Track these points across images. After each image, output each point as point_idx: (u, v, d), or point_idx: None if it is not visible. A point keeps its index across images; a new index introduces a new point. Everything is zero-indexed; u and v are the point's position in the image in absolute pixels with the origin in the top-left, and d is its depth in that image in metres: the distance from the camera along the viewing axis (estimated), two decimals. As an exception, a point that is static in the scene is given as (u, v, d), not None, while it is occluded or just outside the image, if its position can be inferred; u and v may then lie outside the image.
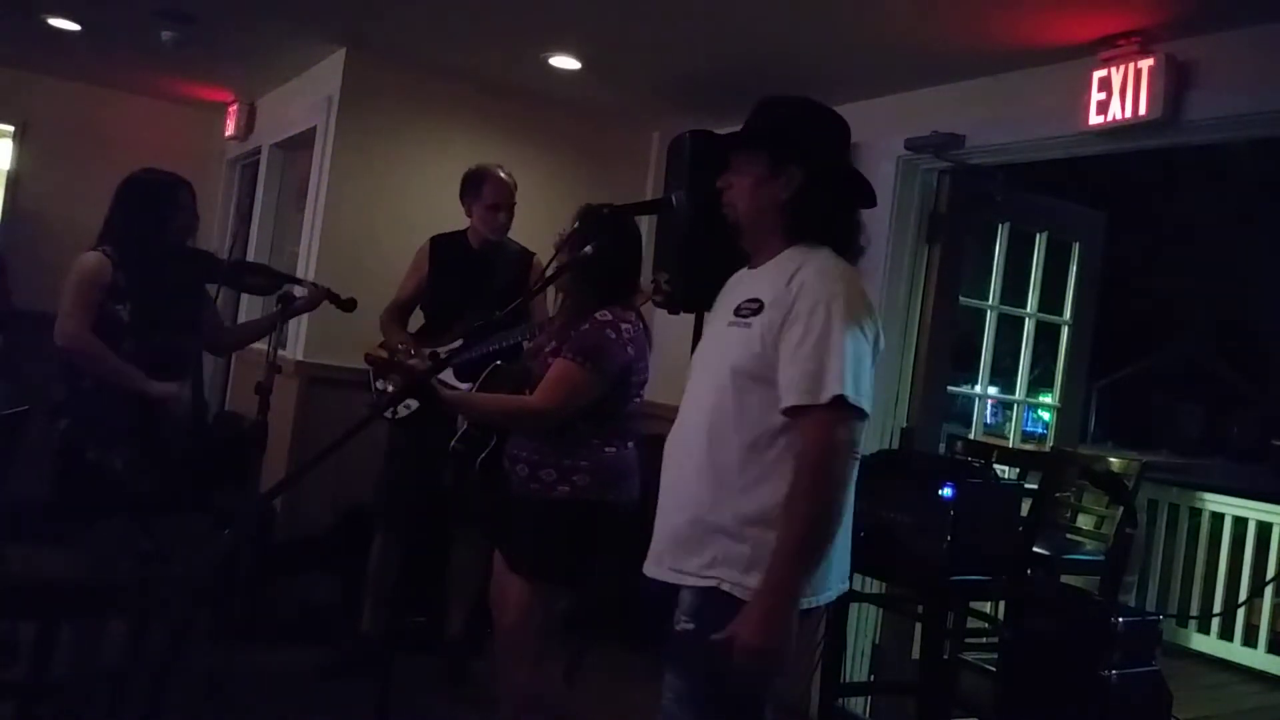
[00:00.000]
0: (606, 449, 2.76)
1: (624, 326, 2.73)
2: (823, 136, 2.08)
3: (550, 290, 3.17)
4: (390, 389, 3.59)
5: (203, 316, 3.40)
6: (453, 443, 3.40)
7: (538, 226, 3.81)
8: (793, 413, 1.88)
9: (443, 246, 3.92)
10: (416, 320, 4.00)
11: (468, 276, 3.73)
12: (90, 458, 3.05)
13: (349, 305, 3.55)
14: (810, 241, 2.01)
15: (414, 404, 3.54)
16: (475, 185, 3.79)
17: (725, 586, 1.89)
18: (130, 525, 3.06)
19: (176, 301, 3.22)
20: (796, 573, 1.83)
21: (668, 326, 4.67)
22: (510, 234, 3.90)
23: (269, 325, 3.47)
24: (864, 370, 1.89)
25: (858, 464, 1.91)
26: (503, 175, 3.79)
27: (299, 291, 3.54)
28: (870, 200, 2.12)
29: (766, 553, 1.85)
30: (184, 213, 3.28)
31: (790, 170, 2.00)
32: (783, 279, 1.96)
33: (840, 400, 1.84)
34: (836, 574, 1.99)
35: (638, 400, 2.84)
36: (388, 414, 3.57)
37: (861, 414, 1.88)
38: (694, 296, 3.39)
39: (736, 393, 1.94)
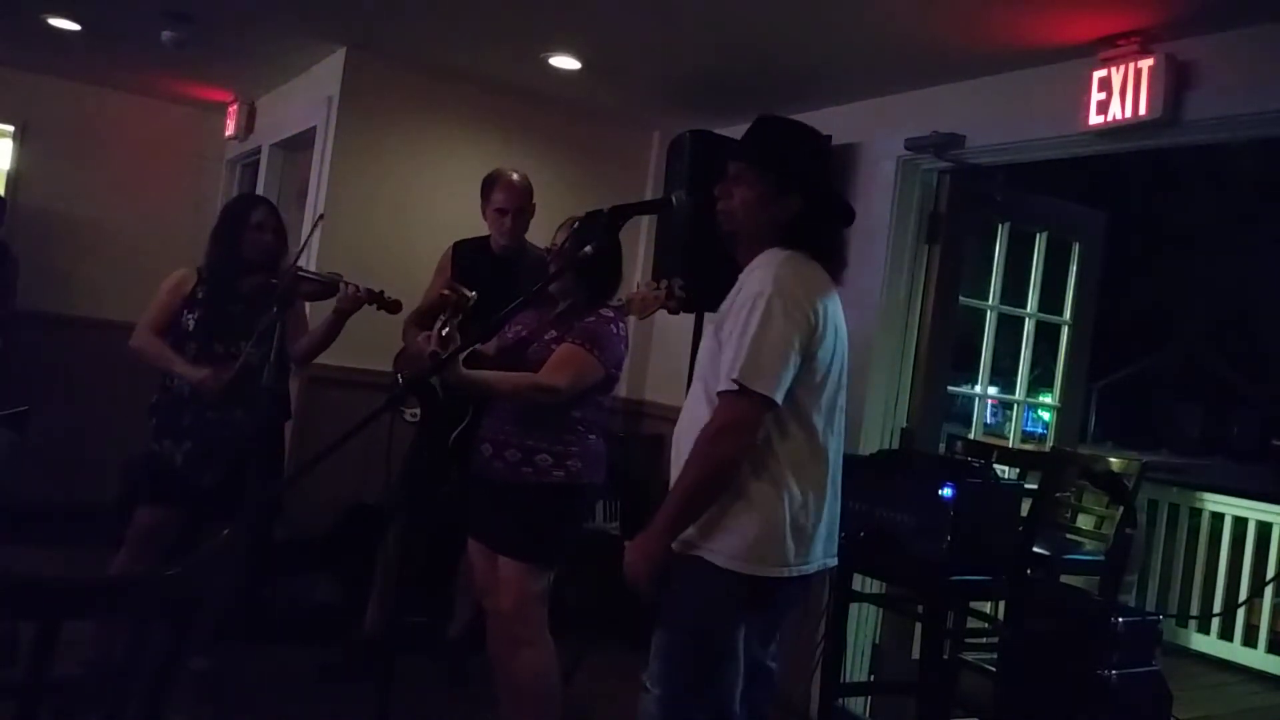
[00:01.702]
0: (590, 436, 2.94)
1: (620, 324, 2.96)
2: (820, 165, 2.33)
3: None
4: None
5: (275, 329, 3.36)
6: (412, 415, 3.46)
7: (538, 227, 3.81)
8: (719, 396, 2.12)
9: (465, 252, 3.89)
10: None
11: (489, 282, 3.72)
12: (155, 450, 3.33)
13: (393, 306, 3.51)
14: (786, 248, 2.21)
15: (419, 412, 3.57)
16: (488, 189, 3.78)
17: (690, 550, 2.14)
18: (172, 520, 3.29)
19: (241, 315, 3.34)
20: (671, 521, 2.11)
21: (668, 326, 4.68)
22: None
23: (329, 332, 3.51)
24: (776, 356, 2.07)
25: (750, 444, 2.09)
26: (514, 179, 3.77)
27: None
28: (850, 219, 2.33)
29: (720, 522, 2.12)
30: (254, 230, 3.44)
31: (792, 196, 2.19)
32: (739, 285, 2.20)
33: (740, 386, 2.05)
34: (773, 551, 2.14)
35: (613, 396, 3.07)
36: (408, 416, 3.58)
37: (763, 399, 2.06)
38: (695, 296, 3.40)
39: (709, 399, 2.17)
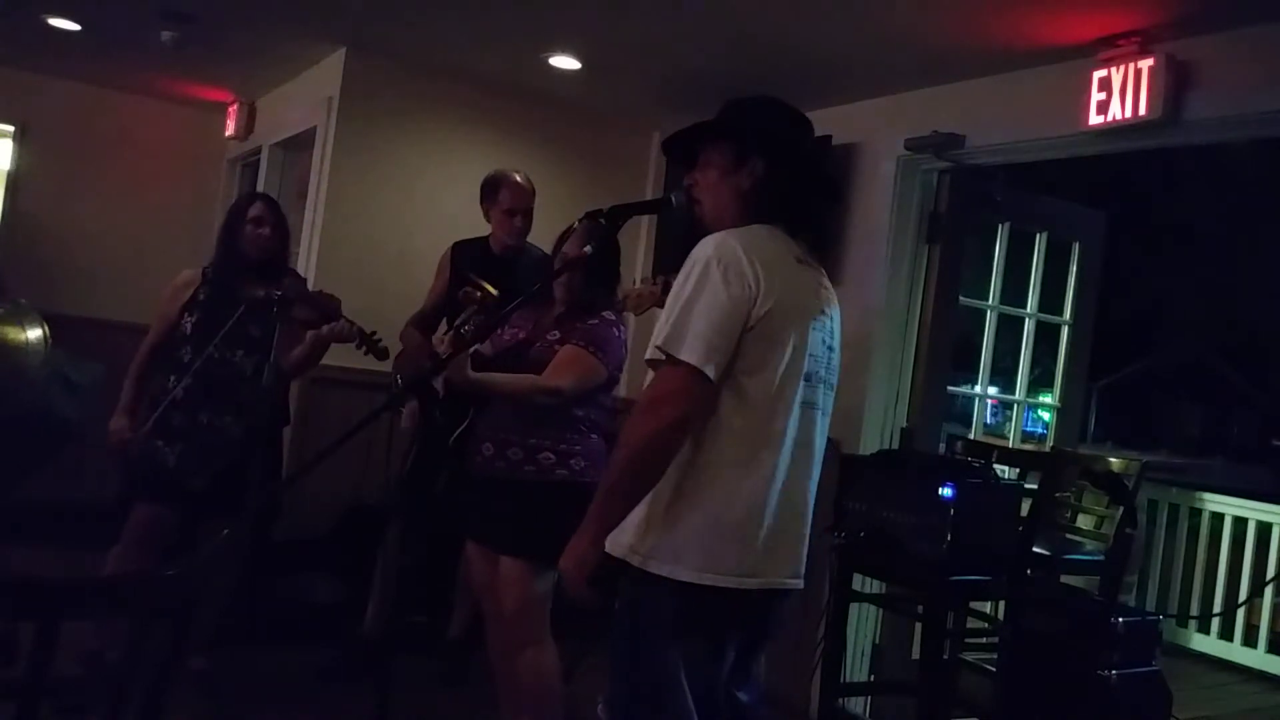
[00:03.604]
0: (593, 435, 2.95)
1: (621, 327, 2.96)
2: (783, 128, 2.10)
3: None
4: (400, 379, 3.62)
5: (271, 337, 3.33)
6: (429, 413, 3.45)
7: (538, 227, 3.81)
8: (651, 367, 1.94)
9: (464, 252, 3.88)
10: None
11: (489, 282, 3.72)
12: (149, 447, 3.33)
13: (380, 353, 3.40)
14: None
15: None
16: (493, 190, 3.77)
17: (617, 552, 1.96)
18: (168, 516, 3.31)
19: (239, 321, 3.29)
20: (597, 512, 1.91)
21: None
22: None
23: (312, 354, 3.42)
24: (706, 323, 1.86)
25: (681, 419, 1.86)
26: (519, 179, 3.76)
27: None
28: (832, 195, 2.20)
29: (645, 516, 1.93)
30: (251, 225, 3.42)
31: (752, 161, 2.03)
32: None
33: (666, 355, 1.87)
34: (697, 555, 1.91)
35: (614, 396, 3.05)
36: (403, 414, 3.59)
37: (690, 370, 1.85)
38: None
39: None
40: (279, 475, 3.64)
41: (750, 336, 1.90)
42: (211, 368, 3.29)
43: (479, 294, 2.91)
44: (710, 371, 1.85)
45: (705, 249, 1.93)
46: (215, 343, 3.28)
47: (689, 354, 1.85)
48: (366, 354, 3.38)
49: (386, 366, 3.58)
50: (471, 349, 2.78)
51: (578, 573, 1.92)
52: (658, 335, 1.89)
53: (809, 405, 2.00)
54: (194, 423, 3.31)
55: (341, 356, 4.36)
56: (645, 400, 1.90)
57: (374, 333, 3.37)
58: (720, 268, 1.88)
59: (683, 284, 1.91)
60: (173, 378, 3.35)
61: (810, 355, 1.99)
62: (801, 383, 1.97)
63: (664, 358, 1.88)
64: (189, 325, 3.36)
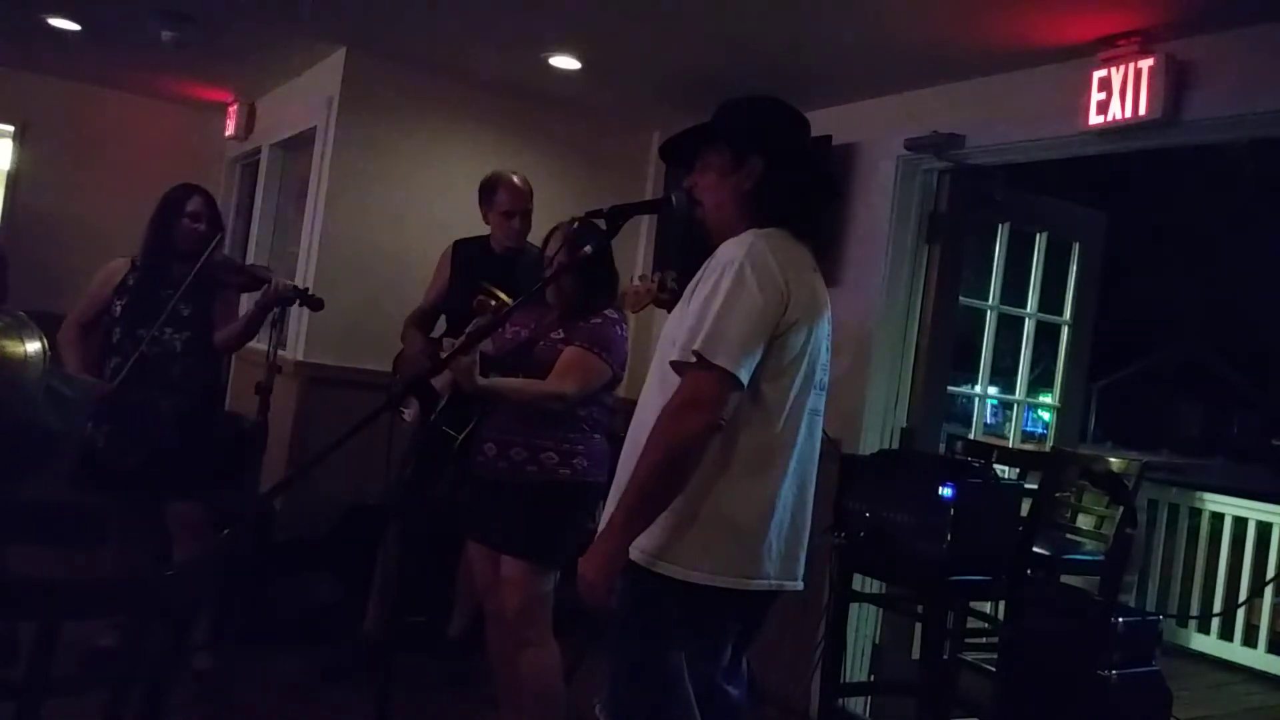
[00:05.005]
0: (595, 435, 2.95)
1: (623, 326, 2.97)
2: (781, 127, 2.11)
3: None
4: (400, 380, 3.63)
5: (202, 315, 3.47)
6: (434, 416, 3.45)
7: (538, 227, 3.81)
8: (676, 369, 1.91)
9: (464, 251, 3.89)
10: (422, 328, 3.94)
11: (490, 281, 3.73)
12: (86, 435, 3.36)
13: (315, 304, 3.49)
14: (765, 226, 2.01)
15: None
16: (490, 192, 3.77)
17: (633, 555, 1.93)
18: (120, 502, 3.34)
19: (168, 301, 3.37)
20: (627, 515, 1.88)
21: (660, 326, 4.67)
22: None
23: (250, 323, 3.52)
24: (743, 329, 1.86)
25: (713, 424, 1.86)
26: (516, 181, 3.77)
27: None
28: (832, 193, 2.19)
29: (668, 520, 1.90)
30: (188, 219, 3.47)
31: (751, 161, 2.03)
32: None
33: (701, 359, 1.85)
34: (707, 557, 1.92)
35: (614, 395, 3.06)
36: (407, 417, 3.59)
37: (725, 375, 1.84)
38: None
39: (664, 387, 1.95)
40: (217, 453, 3.64)
41: (775, 343, 1.91)
42: (142, 347, 3.34)
43: (493, 303, 2.92)
44: (744, 376, 1.85)
45: (733, 251, 1.93)
46: (145, 322, 3.35)
47: (724, 358, 1.84)
48: (301, 307, 3.48)
49: (325, 317, 3.65)
50: (478, 351, 2.78)
51: (602, 579, 1.89)
52: (692, 338, 1.86)
53: (815, 413, 2.05)
54: (125, 402, 3.34)
55: (341, 356, 4.38)
56: (677, 403, 1.87)
57: (306, 288, 3.49)
58: (753, 272, 1.88)
59: (714, 286, 1.89)
60: (106, 359, 3.40)
61: (821, 365, 2.04)
62: (812, 390, 2.01)
63: (695, 360, 1.86)
64: (118, 308, 3.43)
